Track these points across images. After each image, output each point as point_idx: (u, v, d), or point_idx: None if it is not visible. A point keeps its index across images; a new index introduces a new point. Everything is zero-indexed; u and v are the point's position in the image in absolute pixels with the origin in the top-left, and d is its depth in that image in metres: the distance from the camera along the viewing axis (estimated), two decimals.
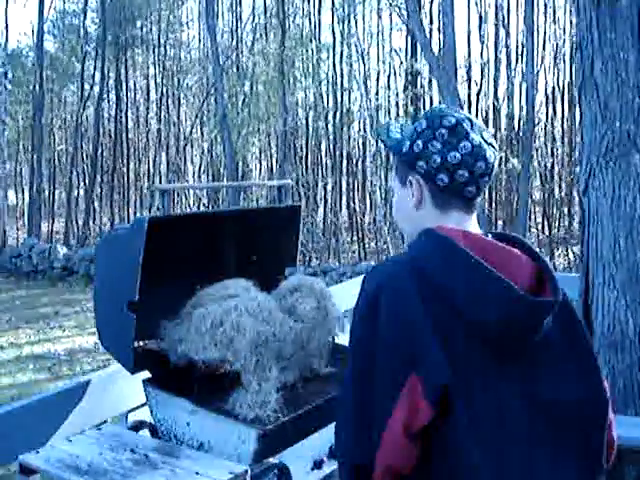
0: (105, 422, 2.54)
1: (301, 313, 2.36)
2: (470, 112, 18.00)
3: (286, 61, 18.55)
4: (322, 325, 2.44)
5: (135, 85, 24.76)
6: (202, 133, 23.45)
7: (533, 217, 18.15)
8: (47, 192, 24.19)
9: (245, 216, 2.83)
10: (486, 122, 18.38)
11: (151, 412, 2.33)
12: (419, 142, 1.59)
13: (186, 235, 2.57)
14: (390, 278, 1.50)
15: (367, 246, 20.26)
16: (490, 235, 1.60)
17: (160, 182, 22.64)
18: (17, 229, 24.64)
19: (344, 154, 20.95)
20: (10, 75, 25.77)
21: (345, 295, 4.87)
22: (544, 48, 18.26)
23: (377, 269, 1.58)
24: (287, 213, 2.87)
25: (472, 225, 1.61)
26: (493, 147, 1.64)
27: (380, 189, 19.47)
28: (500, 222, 18.12)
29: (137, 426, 2.39)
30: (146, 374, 2.39)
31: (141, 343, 2.43)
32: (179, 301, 2.47)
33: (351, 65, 20.13)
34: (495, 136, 18.08)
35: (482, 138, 1.60)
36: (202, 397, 2.22)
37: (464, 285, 1.45)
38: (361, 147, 21.32)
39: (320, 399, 2.33)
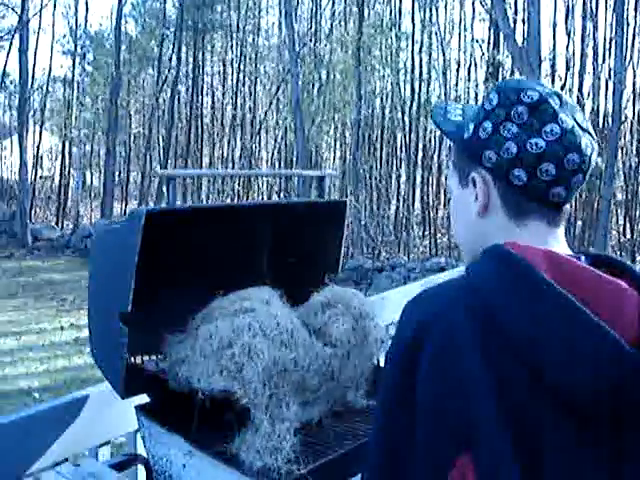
0: (102, 447, 2.15)
1: (333, 335, 1.92)
2: None
3: (363, 49, 18.05)
4: (360, 350, 1.99)
5: (212, 70, 24.68)
6: (277, 120, 23.21)
7: (614, 219, 17.21)
8: (121, 174, 24.39)
9: (278, 211, 2.38)
10: None
11: (144, 445, 1.92)
12: (487, 125, 1.18)
13: (204, 232, 2.14)
14: (439, 315, 1.10)
15: (439, 241, 19.68)
16: (584, 258, 1.16)
17: (233, 168, 22.53)
18: (91, 209, 24.97)
19: (419, 146, 20.39)
20: (90, 57, 26.11)
21: (395, 304, 4.41)
22: (633, 43, 17.22)
23: (421, 299, 1.17)
24: (330, 210, 2.42)
25: (558, 242, 1.19)
26: (590, 134, 1.18)
27: None
28: (579, 222, 17.27)
29: (129, 460, 1.98)
30: (143, 398, 1.98)
31: (139, 359, 2.02)
32: (191, 311, 2.05)
33: (430, 55, 19.54)
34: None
35: (575, 121, 1.17)
36: (203, 435, 1.79)
37: (546, 333, 1.03)
38: (437, 140, 20.68)
39: (350, 443, 1.87)
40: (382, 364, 2.26)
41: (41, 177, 27.69)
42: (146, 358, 2.03)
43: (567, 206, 1.19)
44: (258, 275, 2.42)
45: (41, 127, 25.48)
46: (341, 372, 1.93)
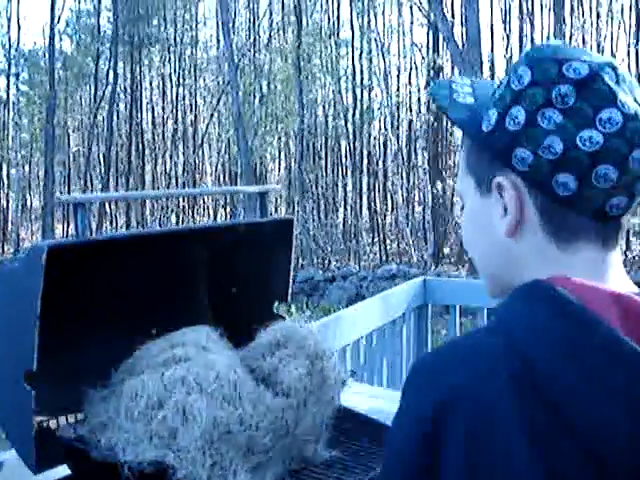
0: None
1: (285, 382, 1.61)
2: None
3: (303, 57, 17.85)
4: (317, 396, 1.68)
5: (151, 84, 24.25)
6: (219, 133, 22.89)
7: None
8: (62, 194, 23.70)
9: (214, 235, 2.06)
10: None
11: None
12: (518, 112, 0.85)
13: (127, 265, 1.82)
14: (467, 391, 0.78)
15: (389, 248, 19.58)
16: None
17: (177, 184, 22.16)
18: (32, 233, 24.27)
19: (364, 153, 20.27)
20: (25, 75, 25.41)
21: (350, 322, 4.13)
22: (570, 42, 17.35)
23: (436, 369, 0.85)
24: (275, 229, 2.11)
25: (616, 272, 0.88)
26: None
27: (402, 189, 18.74)
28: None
29: None
30: (61, 471, 1.64)
31: (55, 423, 1.68)
32: (116, 360, 1.72)
33: (371, 61, 19.42)
34: None
35: (639, 103, 0.85)
36: None
37: (625, 414, 0.73)
38: (382, 146, 20.60)
39: None
40: (343, 407, 1.99)
41: None
42: (64, 421, 1.69)
43: (625, 219, 0.88)
44: (196, 311, 2.12)
45: None
46: (297, 425, 1.63)
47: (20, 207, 24.57)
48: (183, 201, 21.63)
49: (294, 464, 1.68)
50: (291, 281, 2.14)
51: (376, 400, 2.39)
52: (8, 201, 24.52)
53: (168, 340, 1.70)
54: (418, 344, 5.07)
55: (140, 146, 22.95)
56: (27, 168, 26.36)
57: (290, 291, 2.16)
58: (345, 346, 4.06)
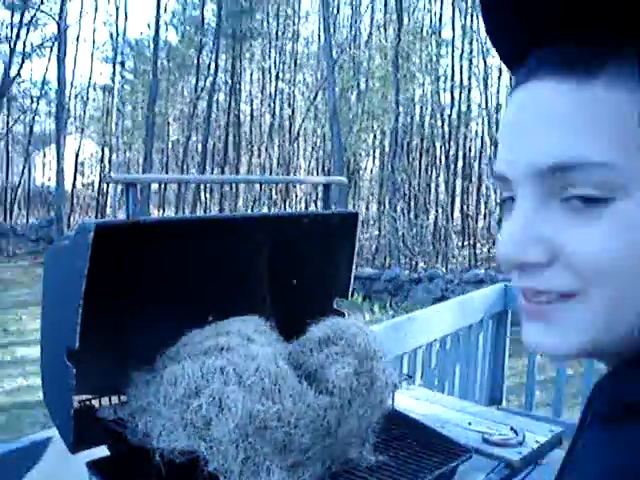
0: None
1: (331, 380, 1.54)
2: None
3: (402, 56, 17.67)
4: (364, 398, 1.61)
5: (251, 77, 24.56)
6: (314, 128, 22.98)
7: None
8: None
9: (276, 225, 2.01)
10: None
11: None
12: None
13: (183, 249, 1.78)
14: None
15: (479, 252, 19.18)
16: None
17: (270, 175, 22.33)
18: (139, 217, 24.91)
19: (459, 155, 19.94)
20: (130, 64, 26.18)
21: (424, 323, 4.01)
22: None
23: None
24: (339, 223, 2.04)
25: None
26: None
27: (495, 193, 18.34)
28: None
29: None
30: (99, 452, 1.62)
31: (95, 403, 1.66)
32: (165, 345, 1.70)
33: (471, 62, 19.06)
34: None
35: None
36: None
37: None
38: (478, 148, 20.21)
39: None
40: (396, 411, 1.91)
41: (82, 184, 27.86)
42: (107, 402, 1.67)
43: None
44: (253, 301, 2.07)
45: (81, 134, 25.63)
46: (340, 426, 1.56)
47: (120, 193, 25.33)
48: (276, 194, 21.81)
49: (336, 466, 1.61)
50: (352, 277, 2.08)
51: (434, 406, 2.30)
52: (108, 185, 25.28)
53: (214, 328, 1.66)
54: (495, 352, 4.90)
55: (237, 138, 23.28)
56: (128, 154, 27.17)
57: (351, 288, 2.10)
58: (416, 348, 3.96)
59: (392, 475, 1.67)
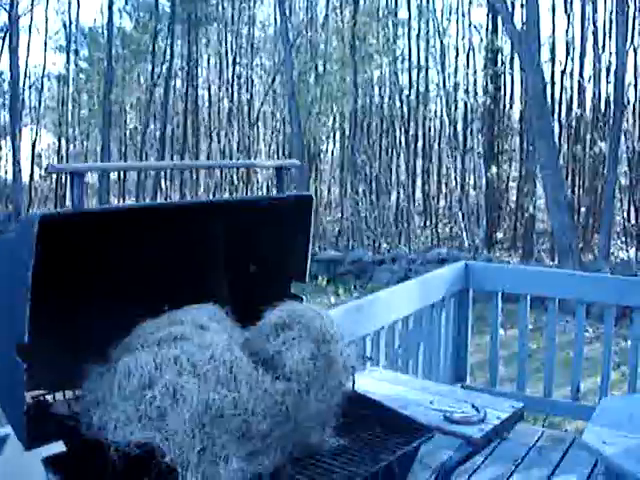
0: None
1: (288, 366, 1.53)
2: (554, 92, 16.77)
3: (358, 37, 17.63)
4: (322, 381, 1.60)
5: (208, 62, 24.29)
6: (272, 112, 22.83)
7: (619, 204, 16.76)
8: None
9: (231, 210, 1.99)
10: (570, 103, 17.12)
11: None
12: None
13: (137, 236, 1.75)
14: None
15: (441, 232, 19.31)
16: None
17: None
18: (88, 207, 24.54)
19: (419, 135, 19.95)
20: (85, 53, 25.72)
21: (396, 302, 4.02)
22: (634, 25, 16.69)
23: None
24: (294, 206, 2.02)
25: None
26: None
27: (456, 172, 18.47)
28: (583, 209, 16.89)
29: None
30: (57, 448, 1.59)
31: (50, 398, 1.63)
32: (118, 336, 1.67)
33: (428, 42, 19.06)
34: (580, 118, 16.80)
35: None
36: None
37: None
38: (437, 128, 20.25)
39: None
40: (357, 393, 1.90)
41: (40, 176, 27.38)
42: (62, 397, 1.64)
43: None
44: (210, 289, 2.04)
45: (37, 125, 25.16)
46: (299, 410, 1.54)
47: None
48: (237, 180, 21.65)
49: (297, 452, 1.60)
50: (309, 261, 2.06)
51: (396, 387, 2.30)
52: (65, 176, 24.88)
53: (168, 317, 1.64)
54: (458, 330, 4.94)
55: (195, 124, 23.04)
56: (86, 144, 26.73)
57: (308, 271, 2.08)
58: (379, 329, 3.97)
59: (354, 458, 1.66)
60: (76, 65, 24.37)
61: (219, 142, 23.45)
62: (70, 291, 1.61)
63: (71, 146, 24.87)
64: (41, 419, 1.53)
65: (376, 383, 2.33)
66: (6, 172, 26.58)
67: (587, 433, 2.78)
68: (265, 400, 1.46)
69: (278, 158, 22.46)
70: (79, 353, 1.64)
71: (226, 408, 1.39)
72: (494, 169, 16.87)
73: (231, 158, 22.25)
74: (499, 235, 18.39)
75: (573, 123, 17.22)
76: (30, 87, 25.23)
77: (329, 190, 22.81)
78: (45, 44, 23.55)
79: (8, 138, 22.99)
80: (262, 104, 22.20)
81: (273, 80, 21.38)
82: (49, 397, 1.63)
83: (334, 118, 21.23)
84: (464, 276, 4.83)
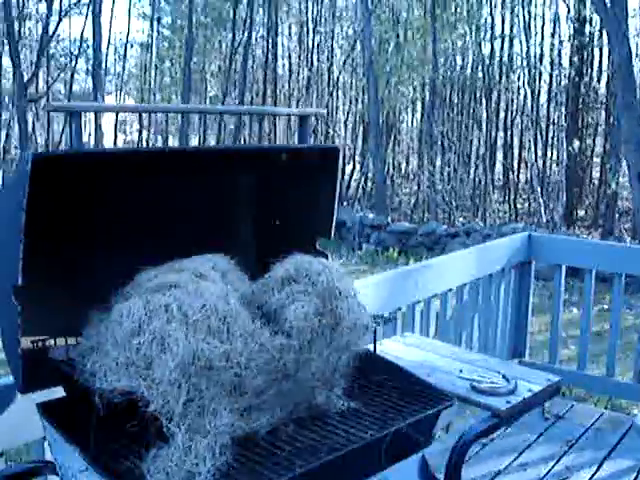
0: None
1: (289, 320, 1.44)
2: None
3: (439, 5, 17.22)
4: (328, 339, 1.51)
5: (289, 31, 24.25)
6: (351, 82, 22.66)
7: None
8: (199, 137, 24.27)
9: (251, 160, 1.90)
10: None
11: (51, 452, 1.51)
12: None
13: (150, 181, 1.69)
14: None
15: (519, 207, 18.85)
16: None
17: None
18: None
19: (501, 107, 19.45)
20: (168, 20, 26.03)
21: (450, 271, 3.87)
22: None
23: None
24: (319, 159, 1.92)
25: None
26: None
27: (536, 145, 17.93)
28: None
29: (36, 470, 1.58)
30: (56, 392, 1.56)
31: (50, 343, 1.59)
32: (126, 281, 1.62)
33: (512, 11, 18.46)
34: None
35: None
36: (110, 447, 1.36)
37: None
38: (520, 100, 19.67)
39: (312, 458, 1.41)
40: (378, 356, 1.81)
41: (124, 142, 28.00)
42: (63, 342, 1.61)
43: None
44: (229, 241, 1.97)
45: (120, 91, 25.70)
46: (301, 369, 1.46)
47: None
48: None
49: (299, 411, 1.52)
50: (335, 217, 1.97)
51: (425, 353, 2.18)
52: (148, 143, 25.38)
53: (170, 266, 1.57)
54: (518, 303, 4.76)
55: (275, 92, 23.07)
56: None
57: (333, 228, 1.99)
58: (430, 297, 3.84)
59: (361, 421, 1.57)
60: (159, 32, 24.68)
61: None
62: (73, 236, 1.56)
63: (153, 113, 25.30)
64: (38, 364, 1.50)
65: (405, 348, 2.23)
66: (89, 138, 27.29)
67: None
68: (261, 355, 1.38)
69: (356, 127, 22.32)
70: (83, 300, 1.59)
71: (216, 360, 1.32)
72: (577, 143, 16.27)
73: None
74: (580, 212, 17.83)
75: None
76: (114, 54, 25.76)
77: (407, 162, 22.58)
78: (129, 11, 23.95)
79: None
80: (340, 73, 22.04)
81: (352, 48, 21.16)
82: (50, 342, 1.60)
83: (414, 88, 20.89)
84: (527, 247, 4.64)
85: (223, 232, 1.95)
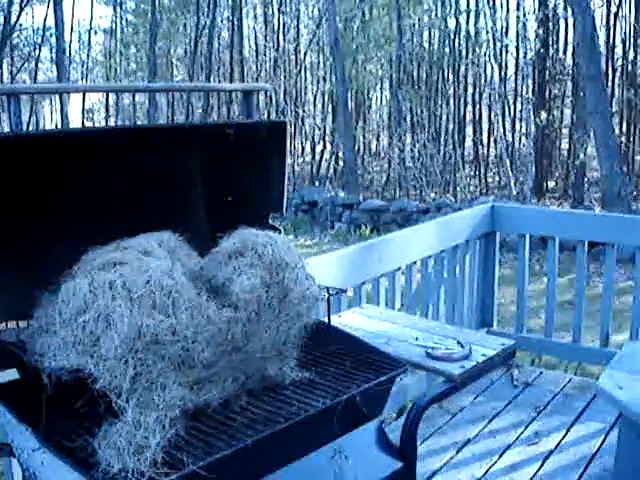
0: None
1: (235, 293, 1.46)
2: (608, 35, 16.16)
3: None
4: (277, 311, 1.52)
5: (254, 12, 24.07)
6: (318, 62, 22.58)
7: None
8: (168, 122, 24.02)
9: (199, 136, 1.90)
10: (624, 46, 16.48)
11: (7, 434, 1.52)
12: None
13: (101, 162, 1.69)
14: None
15: (490, 181, 18.95)
16: None
17: (277, 114, 22.09)
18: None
19: (468, 81, 19.49)
20: (131, 5, 25.72)
21: (413, 243, 3.89)
22: None
23: None
24: (267, 133, 1.93)
25: None
26: None
27: (504, 119, 18.01)
28: (638, 157, 16.35)
29: None
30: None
31: (3, 325, 1.60)
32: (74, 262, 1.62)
33: None
34: (635, 62, 16.17)
35: None
36: (62, 424, 1.37)
37: None
38: (488, 74, 19.70)
39: (263, 429, 1.43)
40: (333, 327, 1.82)
41: None
42: (15, 325, 1.61)
43: None
44: (181, 219, 1.97)
45: (86, 79, 25.40)
46: (250, 340, 1.48)
47: None
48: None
49: (252, 383, 1.54)
50: (285, 191, 1.98)
51: (383, 323, 2.21)
52: None
53: (116, 245, 1.58)
54: (484, 274, 4.81)
55: (242, 75, 22.91)
56: (135, 97, 26.88)
57: (285, 202, 2.00)
58: (394, 270, 3.87)
59: (314, 391, 1.60)
60: (122, 18, 24.39)
61: (265, 93, 23.32)
62: (22, 219, 1.56)
63: (120, 100, 25.08)
64: None
65: (363, 319, 2.25)
66: (56, 127, 26.95)
67: (603, 378, 2.67)
68: (208, 328, 1.39)
69: (324, 107, 22.25)
70: (33, 281, 1.59)
71: (162, 334, 1.33)
72: (544, 115, 16.37)
73: (277, 108, 22.09)
74: (550, 184, 17.98)
75: (628, 68, 16.59)
76: (78, 42, 25.43)
77: (377, 139, 22.59)
78: None
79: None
80: (307, 53, 21.95)
81: (318, 27, 21.07)
82: (1, 325, 1.60)
83: (381, 66, 20.87)
84: (490, 218, 4.68)
85: (174, 211, 1.95)
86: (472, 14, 19.06)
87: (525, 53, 17.68)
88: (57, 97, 22.87)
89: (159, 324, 1.33)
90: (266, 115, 21.73)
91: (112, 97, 24.67)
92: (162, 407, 1.31)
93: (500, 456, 3.60)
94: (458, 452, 3.64)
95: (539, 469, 3.49)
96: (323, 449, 1.58)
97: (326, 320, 1.87)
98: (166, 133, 1.86)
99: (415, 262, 4.04)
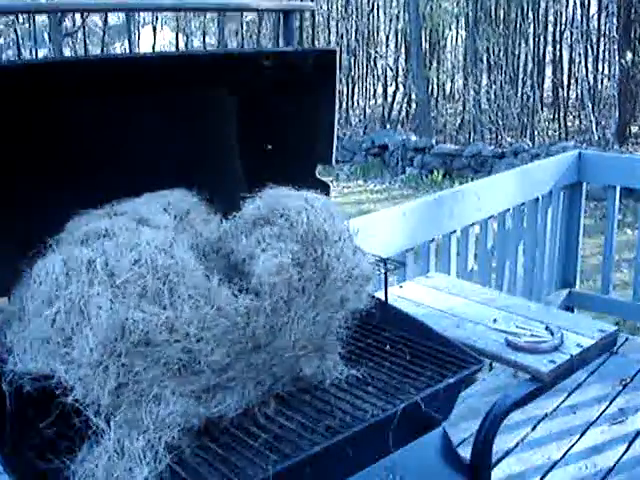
0: None
1: (256, 275, 1.10)
2: None
3: None
4: (315, 296, 1.17)
5: None
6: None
7: None
8: None
9: (232, 69, 1.53)
10: None
11: None
12: None
13: (100, 101, 1.35)
14: None
15: (570, 125, 18.03)
16: None
17: (347, 53, 21.47)
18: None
19: (549, 20, 18.45)
20: None
21: (489, 196, 3.48)
22: None
23: None
24: (313, 65, 1.55)
25: None
26: None
27: (587, 60, 17.00)
28: None
29: None
30: None
31: None
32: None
33: None
34: None
35: None
36: (30, 443, 1.06)
37: None
38: (570, 12, 18.61)
39: (291, 452, 1.09)
40: (383, 308, 1.47)
41: None
42: None
43: None
44: (217, 173, 1.63)
45: (157, 20, 25.26)
46: (276, 336, 1.13)
47: None
48: None
49: (282, 386, 1.20)
50: (335, 137, 1.61)
51: (454, 299, 1.80)
52: None
53: (110, 208, 1.24)
54: (567, 229, 4.35)
55: (313, 15, 22.30)
56: (207, 39, 26.59)
57: (334, 151, 1.63)
58: (468, 226, 3.48)
59: (363, 394, 1.25)
60: None
61: (337, 32, 22.70)
62: (4, 172, 1.24)
63: (189, 41, 24.82)
64: None
65: (430, 292, 1.87)
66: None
67: None
68: (219, 322, 1.05)
69: (398, 46, 21.51)
70: (18, 249, 1.28)
71: (154, 332, 1.00)
72: (629, 56, 15.34)
73: (348, 47, 21.46)
74: (633, 129, 16.98)
75: None
76: None
77: (452, 81, 21.80)
78: None
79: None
80: None
81: None
82: None
83: (457, 3, 19.93)
84: (576, 167, 4.20)
85: (201, 162, 1.60)
86: None
87: None
88: (126, 39, 22.74)
89: (151, 319, 0.99)
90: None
91: (182, 38, 24.41)
92: (155, 428, 0.99)
93: (581, 435, 3.23)
94: (534, 429, 3.28)
95: (625, 452, 3.10)
96: (373, 468, 1.24)
97: (381, 296, 1.51)
98: (186, 64, 1.49)
99: (492, 216, 3.62)
